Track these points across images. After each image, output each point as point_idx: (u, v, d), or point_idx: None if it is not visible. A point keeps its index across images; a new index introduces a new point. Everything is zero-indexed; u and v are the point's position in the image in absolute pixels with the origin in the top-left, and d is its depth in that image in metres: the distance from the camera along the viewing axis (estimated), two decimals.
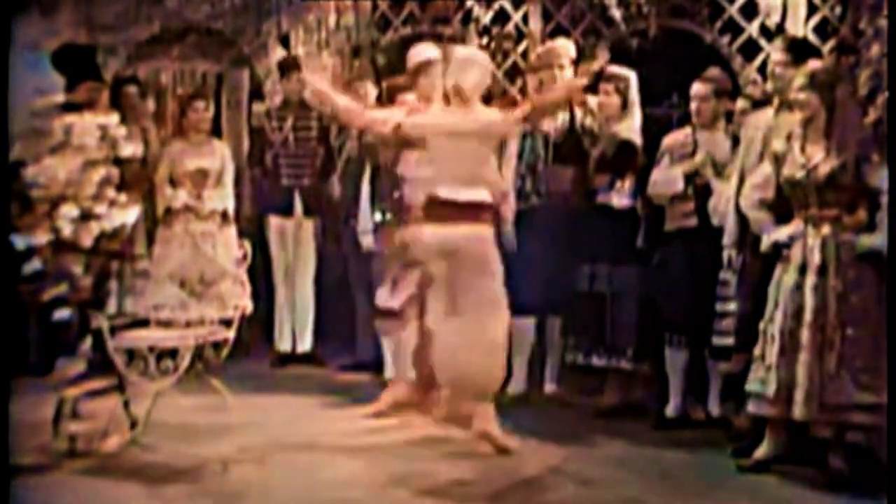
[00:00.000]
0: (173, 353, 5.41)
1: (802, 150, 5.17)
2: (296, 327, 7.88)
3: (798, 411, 5.05)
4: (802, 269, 5.11)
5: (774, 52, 5.75)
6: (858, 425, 5.11)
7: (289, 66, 7.88)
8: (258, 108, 8.44)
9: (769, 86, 5.74)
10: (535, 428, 6.06)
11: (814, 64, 5.30)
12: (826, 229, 5.11)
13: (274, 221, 7.88)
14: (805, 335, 5.06)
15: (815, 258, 5.08)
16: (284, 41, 8.38)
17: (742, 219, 5.50)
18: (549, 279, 6.55)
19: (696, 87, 6.08)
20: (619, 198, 6.37)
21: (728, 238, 5.65)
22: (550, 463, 5.47)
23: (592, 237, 6.39)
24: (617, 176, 6.39)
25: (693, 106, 6.08)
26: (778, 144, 5.29)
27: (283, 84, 7.89)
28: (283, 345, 7.90)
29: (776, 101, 5.60)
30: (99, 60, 7.67)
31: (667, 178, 6.09)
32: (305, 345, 7.88)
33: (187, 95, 7.93)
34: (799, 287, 5.11)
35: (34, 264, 5.33)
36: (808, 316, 5.06)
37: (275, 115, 7.88)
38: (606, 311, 6.36)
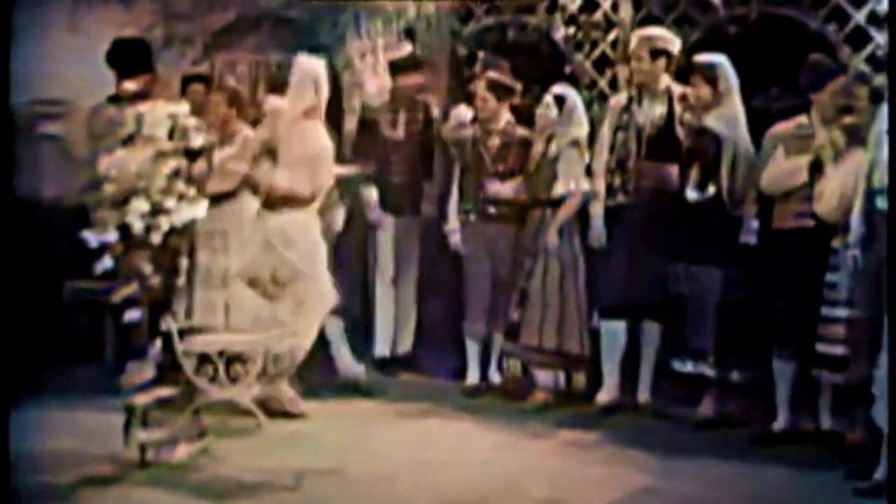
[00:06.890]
0: (244, 359, 5.20)
1: None
2: (397, 330, 7.60)
3: None
4: None
5: None
6: None
7: (405, 64, 7.56)
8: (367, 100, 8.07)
9: None
10: (627, 440, 5.87)
11: None
12: None
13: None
14: None
15: None
16: (409, 33, 8.06)
17: (870, 218, 5.17)
18: (640, 280, 6.31)
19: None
20: (692, 191, 6.13)
21: (854, 237, 5.30)
22: (643, 479, 5.21)
23: (687, 236, 6.13)
24: (688, 167, 6.18)
25: (810, 97, 5.83)
26: None
27: (397, 79, 7.56)
28: (382, 349, 7.60)
29: None
30: (175, 51, 7.54)
31: (790, 168, 5.81)
32: (406, 346, 7.60)
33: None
34: None
35: (105, 262, 5.13)
36: None
37: (386, 109, 7.57)
38: (707, 316, 6.06)
